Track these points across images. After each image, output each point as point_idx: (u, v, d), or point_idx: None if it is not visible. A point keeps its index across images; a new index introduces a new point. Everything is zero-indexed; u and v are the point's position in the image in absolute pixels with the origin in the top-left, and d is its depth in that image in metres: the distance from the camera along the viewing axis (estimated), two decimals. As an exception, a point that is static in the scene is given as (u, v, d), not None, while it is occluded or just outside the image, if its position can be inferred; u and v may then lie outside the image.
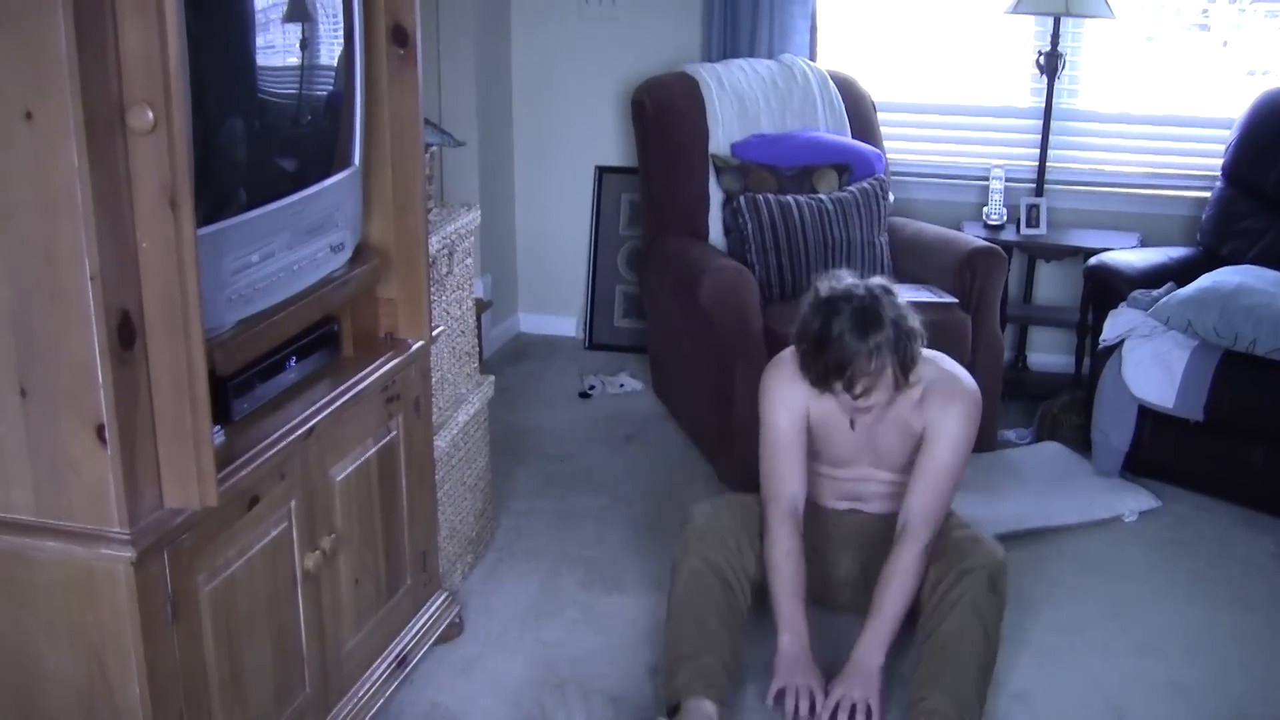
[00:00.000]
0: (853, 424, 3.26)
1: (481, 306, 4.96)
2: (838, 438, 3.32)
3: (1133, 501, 4.32)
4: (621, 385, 5.39)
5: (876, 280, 3.13)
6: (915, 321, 3.11)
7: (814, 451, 3.37)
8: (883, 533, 3.35)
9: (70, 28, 1.93)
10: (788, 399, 3.28)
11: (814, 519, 3.40)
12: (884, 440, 3.30)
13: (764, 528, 3.31)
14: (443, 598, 3.49)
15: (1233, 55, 5.37)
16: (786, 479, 3.30)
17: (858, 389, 3.04)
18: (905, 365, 3.08)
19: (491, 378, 3.95)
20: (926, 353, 3.20)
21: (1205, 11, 5.41)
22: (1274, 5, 5.25)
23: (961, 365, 4.41)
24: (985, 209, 5.28)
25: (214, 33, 2.33)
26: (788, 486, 3.30)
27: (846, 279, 3.13)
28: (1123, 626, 3.67)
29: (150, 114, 2.04)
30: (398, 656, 3.22)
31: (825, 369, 3.04)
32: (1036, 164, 5.28)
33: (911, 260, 4.80)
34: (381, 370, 3.01)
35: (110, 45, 2.02)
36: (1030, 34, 5.36)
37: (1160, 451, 4.42)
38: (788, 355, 3.28)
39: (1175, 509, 4.34)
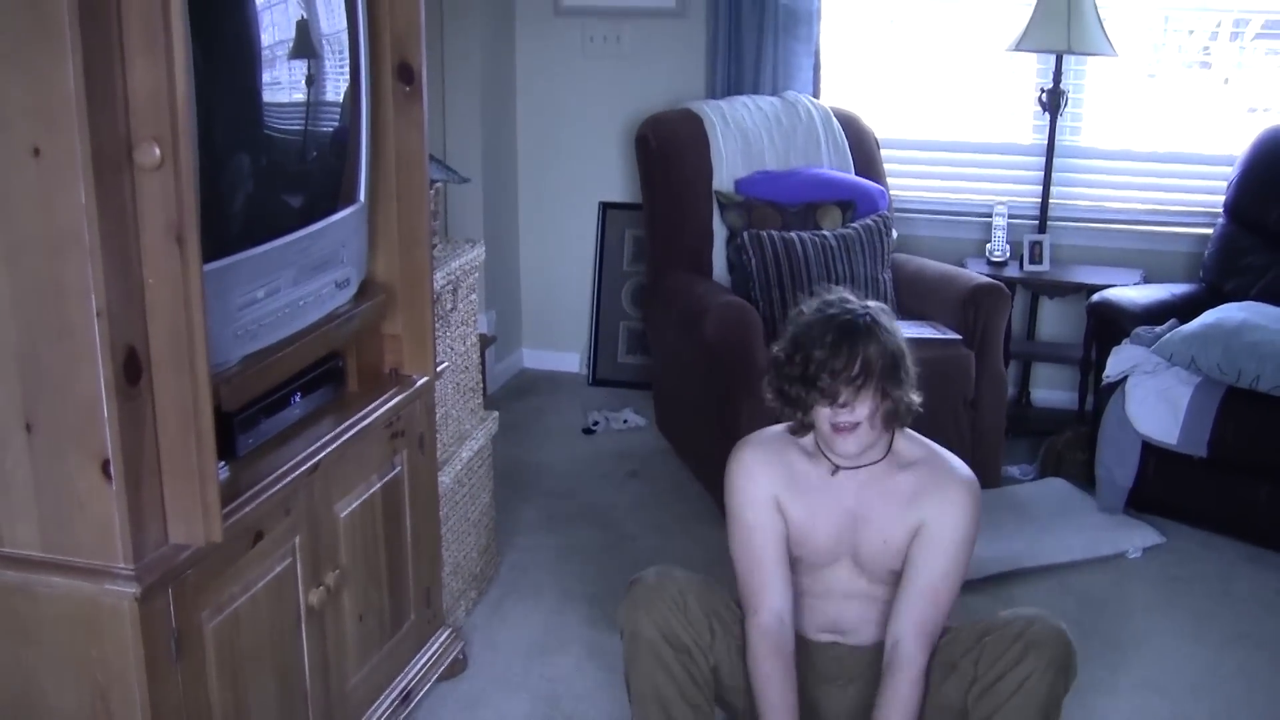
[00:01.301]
0: (834, 468, 2.85)
1: (485, 342, 4.97)
2: (816, 525, 2.87)
3: (1137, 538, 4.32)
4: (625, 421, 5.39)
5: (875, 302, 2.84)
6: (908, 351, 2.80)
7: (791, 557, 2.90)
8: (869, 665, 2.92)
9: (79, 65, 1.94)
10: (753, 490, 2.88)
11: (795, 651, 2.92)
12: (866, 532, 2.85)
13: (745, 644, 2.87)
14: (446, 634, 3.48)
15: (1234, 92, 5.39)
16: (766, 590, 2.86)
17: (841, 397, 2.68)
18: (895, 393, 2.74)
19: (495, 413, 3.95)
20: (918, 438, 2.90)
21: (1206, 49, 5.44)
22: (1275, 43, 5.28)
23: (964, 403, 4.46)
24: (988, 245, 5.29)
25: (221, 69, 2.35)
26: (767, 597, 2.85)
27: (841, 292, 2.83)
28: (1127, 664, 3.66)
29: (157, 151, 2.05)
30: (401, 693, 3.21)
31: (805, 374, 2.70)
32: (1039, 200, 5.29)
33: (915, 297, 4.80)
34: (386, 406, 3.02)
35: (118, 83, 2.03)
36: (1032, 71, 5.39)
37: (1164, 488, 4.42)
38: (752, 440, 2.96)
39: (1179, 546, 4.34)
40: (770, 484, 2.88)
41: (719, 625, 2.86)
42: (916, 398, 2.81)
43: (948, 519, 2.80)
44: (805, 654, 2.95)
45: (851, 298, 2.81)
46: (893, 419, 2.78)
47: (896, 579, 2.85)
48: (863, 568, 2.89)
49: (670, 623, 2.80)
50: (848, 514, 2.85)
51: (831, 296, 2.81)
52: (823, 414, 2.75)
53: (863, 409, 2.71)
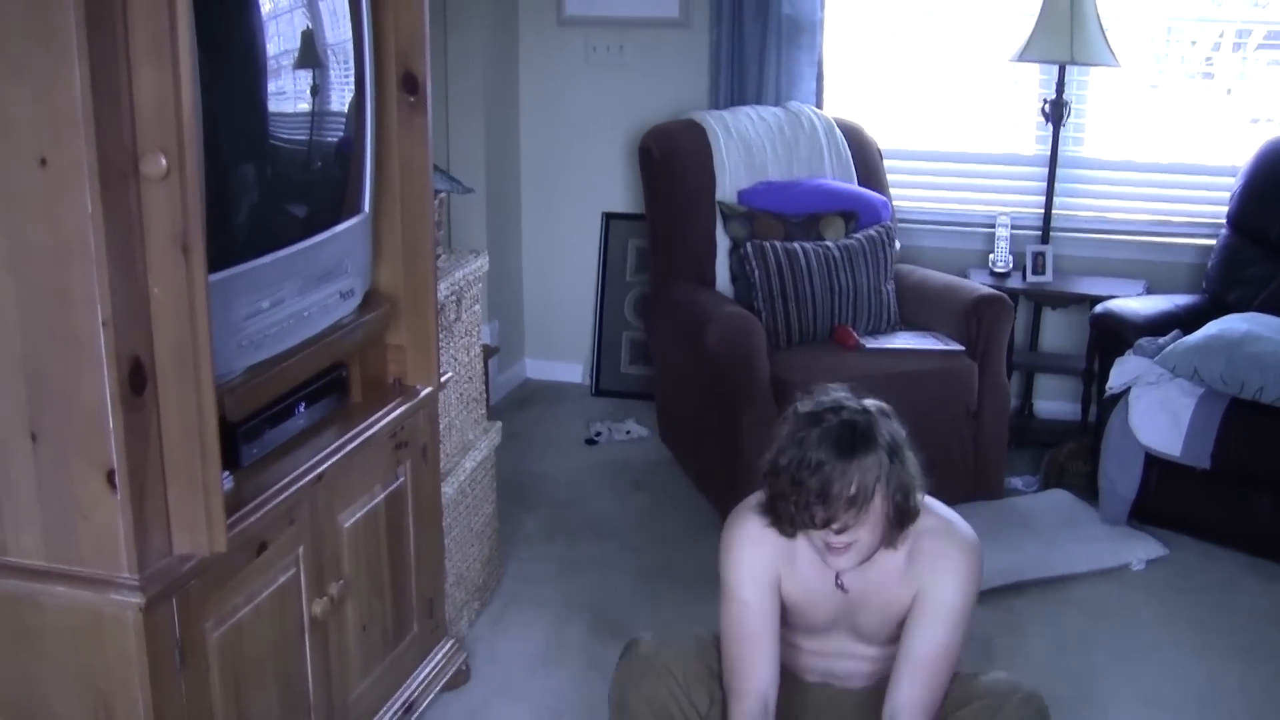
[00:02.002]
0: (839, 581, 2.66)
1: (489, 352, 4.96)
2: (813, 605, 2.71)
3: (1140, 550, 4.31)
4: (628, 432, 5.38)
5: (872, 400, 2.58)
6: (914, 457, 2.56)
7: (784, 620, 2.73)
8: (859, 706, 2.79)
9: (86, 75, 1.94)
10: (754, 564, 2.67)
11: (782, 689, 2.74)
12: (865, 609, 2.69)
13: None
14: (449, 645, 3.48)
15: (1237, 103, 5.40)
16: (754, 671, 2.66)
17: (838, 523, 2.47)
18: (899, 507, 2.52)
19: (499, 424, 3.95)
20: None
21: (1209, 60, 5.44)
22: (1277, 53, 5.28)
23: (967, 414, 4.45)
24: (991, 256, 5.29)
25: (227, 79, 2.35)
26: (755, 681, 2.66)
27: (836, 392, 2.57)
28: (1130, 676, 3.66)
29: (164, 161, 2.05)
30: (404, 704, 3.21)
31: (800, 499, 2.46)
32: (1042, 211, 5.29)
33: (918, 307, 4.80)
34: (390, 417, 3.02)
35: (125, 93, 2.03)
36: (1035, 82, 5.39)
37: (1167, 499, 4.41)
38: (752, 504, 2.69)
39: (1183, 557, 4.33)
40: (771, 557, 2.67)
41: (721, 689, 2.73)
42: (918, 496, 2.57)
43: (945, 587, 2.62)
44: (797, 692, 2.84)
45: (847, 399, 2.56)
46: (893, 531, 2.56)
47: (896, 638, 2.69)
48: (860, 636, 2.75)
49: (661, 697, 2.68)
50: (844, 601, 2.70)
51: (826, 400, 2.55)
52: (816, 534, 2.54)
53: (860, 529, 2.50)
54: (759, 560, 2.67)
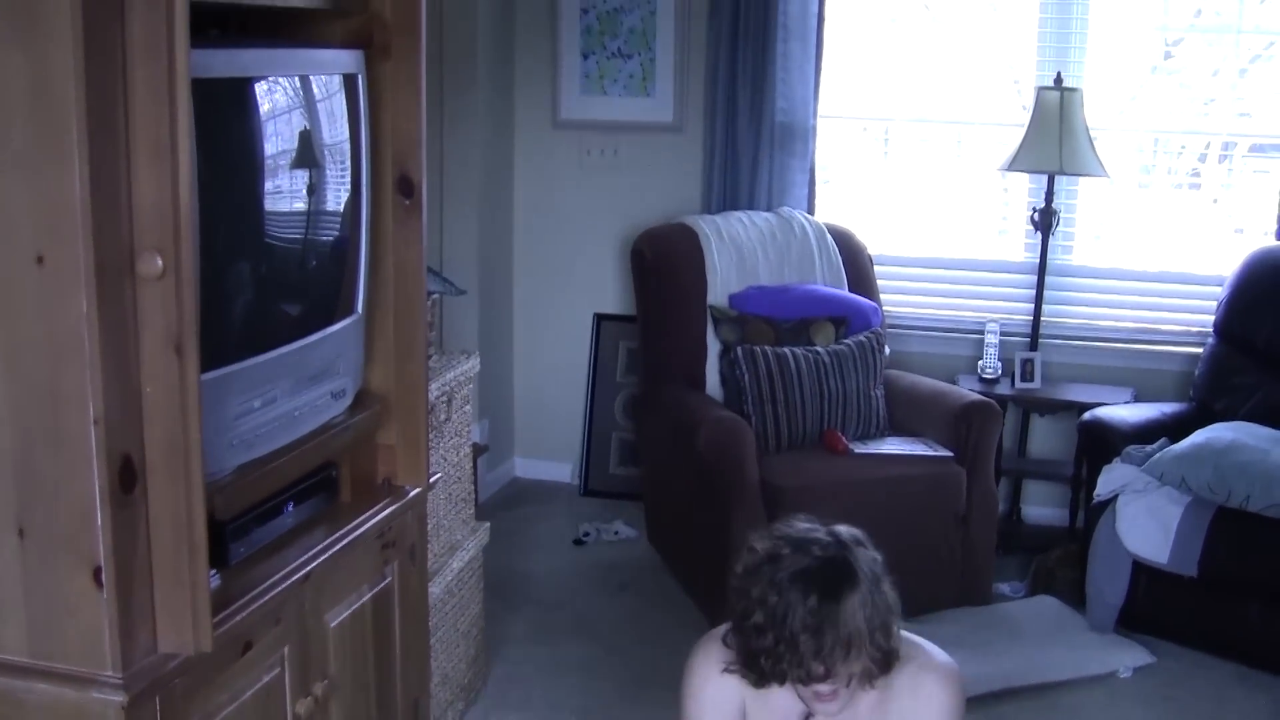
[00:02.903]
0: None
1: (478, 451, 4.97)
2: None
3: (1128, 657, 4.30)
4: (616, 533, 5.37)
5: (843, 527, 2.38)
6: (890, 587, 2.34)
7: None
8: None
9: (85, 175, 1.96)
10: (718, 700, 2.48)
11: None
12: None
13: None
14: (433, 746, 3.45)
15: (1223, 213, 5.46)
16: None
17: (834, 675, 2.27)
18: (882, 648, 2.29)
19: (487, 524, 3.95)
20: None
21: (1195, 170, 5.51)
22: (1262, 163, 5.35)
23: (955, 519, 4.45)
24: (980, 362, 5.32)
25: (224, 178, 2.37)
26: None
27: (801, 524, 2.37)
28: (1119, 786, 3.64)
29: (160, 261, 2.06)
30: (387, 806, 3.18)
31: (794, 657, 2.25)
32: (1031, 318, 5.33)
33: (907, 413, 4.82)
34: (379, 517, 3.00)
35: (123, 192, 2.05)
36: (1025, 191, 5.45)
37: (1155, 607, 4.41)
38: (719, 634, 2.49)
39: (1170, 666, 4.32)
40: (737, 693, 2.48)
41: None
42: (897, 629, 2.36)
43: (926, 713, 2.43)
44: None
45: (813, 529, 2.37)
46: (876, 669, 2.33)
47: None
48: None
49: None
50: None
51: (790, 534, 2.35)
52: (801, 687, 2.35)
53: (849, 673, 2.30)
54: (722, 695, 2.50)
